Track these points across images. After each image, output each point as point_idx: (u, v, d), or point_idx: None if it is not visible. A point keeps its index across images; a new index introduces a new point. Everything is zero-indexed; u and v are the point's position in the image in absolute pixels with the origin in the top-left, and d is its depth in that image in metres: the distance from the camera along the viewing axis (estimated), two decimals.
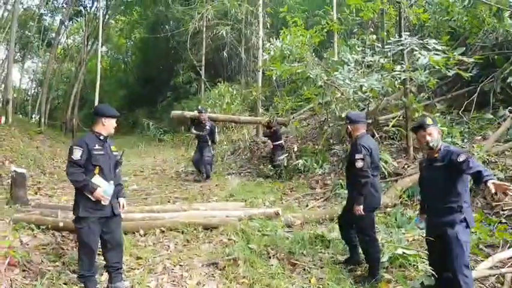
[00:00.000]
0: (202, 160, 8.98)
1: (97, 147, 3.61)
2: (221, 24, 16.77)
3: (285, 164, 8.87)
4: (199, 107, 9.95)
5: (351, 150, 4.03)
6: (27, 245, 4.61)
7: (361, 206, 3.82)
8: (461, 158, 3.05)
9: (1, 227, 5.12)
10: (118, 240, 3.80)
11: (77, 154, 3.50)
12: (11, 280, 3.70)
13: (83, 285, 3.64)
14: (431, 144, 3.29)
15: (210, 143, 9.06)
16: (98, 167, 3.59)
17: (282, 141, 9.36)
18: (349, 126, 4.10)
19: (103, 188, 3.56)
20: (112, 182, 3.67)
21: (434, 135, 3.29)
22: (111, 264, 3.72)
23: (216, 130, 9.44)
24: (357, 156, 3.79)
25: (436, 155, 3.31)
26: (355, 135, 4.06)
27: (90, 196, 3.52)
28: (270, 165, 9.32)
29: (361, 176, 3.78)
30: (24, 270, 3.96)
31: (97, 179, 3.56)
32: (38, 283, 3.66)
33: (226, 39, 16.74)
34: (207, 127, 9.12)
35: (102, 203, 3.57)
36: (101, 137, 3.70)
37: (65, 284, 3.74)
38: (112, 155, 3.79)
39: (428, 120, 3.34)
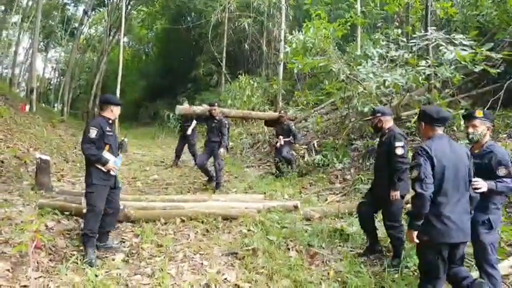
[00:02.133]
0: (215, 165, 7.47)
1: (108, 129, 4.29)
2: (243, 16, 16.74)
3: (301, 161, 8.75)
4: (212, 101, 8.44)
5: (388, 140, 4.14)
6: (52, 229, 4.76)
7: (398, 192, 4.01)
8: (500, 173, 3.19)
9: (28, 212, 5.29)
10: (116, 208, 4.55)
11: (93, 133, 4.13)
12: (37, 262, 3.82)
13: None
14: (470, 137, 3.36)
15: (221, 143, 7.48)
16: (108, 145, 4.27)
17: (290, 139, 8.50)
18: (381, 118, 4.25)
19: (112, 161, 4.23)
20: (121, 156, 4.47)
21: (479, 129, 3.32)
22: (104, 227, 4.36)
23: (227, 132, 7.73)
24: (398, 144, 3.99)
25: (476, 151, 3.35)
26: (386, 127, 4.24)
27: (102, 168, 4.17)
28: (280, 163, 8.38)
29: (402, 163, 3.99)
30: (50, 254, 4.09)
31: (106, 154, 4.22)
32: (63, 266, 3.77)
33: (248, 31, 16.74)
34: (219, 122, 7.57)
35: (112, 173, 4.26)
36: (110, 121, 4.38)
37: (88, 268, 3.83)
38: (116, 137, 4.54)
39: (478, 113, 3.36)
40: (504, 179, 3.16)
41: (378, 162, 4.45)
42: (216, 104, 7.92)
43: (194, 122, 9.97)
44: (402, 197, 4.17)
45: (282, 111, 8.82)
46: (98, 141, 4.16)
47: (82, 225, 4.39)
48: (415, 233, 2.88)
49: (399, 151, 3.97)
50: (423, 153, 2.88)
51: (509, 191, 3.22)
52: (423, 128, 3.12)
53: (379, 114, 4.27)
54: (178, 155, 10.15)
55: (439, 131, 3.06)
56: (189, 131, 9.90)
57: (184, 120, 9.98)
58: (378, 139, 4.91)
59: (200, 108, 8.60)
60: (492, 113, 7.53)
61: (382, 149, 4.25)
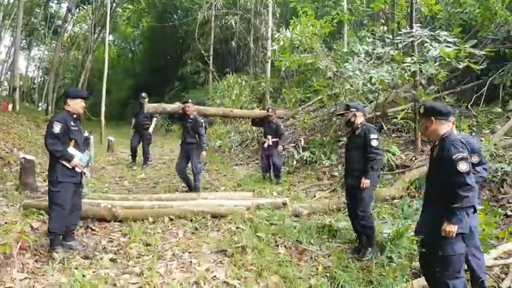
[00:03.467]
0: (192, 168, 6.90)
1: (72, 123, 4.18)
2: (230, 14, 16.70)
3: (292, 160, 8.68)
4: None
5: (362, 132, 4.37)
6: (38, 230, 4.70)
7: (369, 180, 4.21)
8: (474, 160, 3.40)
9: (12, 213, 5.20)
10: (79, 204, 4.43)
11: (57, 128, 4.04)
12: (22, 264, 3.77)
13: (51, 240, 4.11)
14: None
15: (200, 144, 6.86)
16: (73, 140, 4.17)
17: (278, 139, 7.81)
18: (356, 113, 4.44)
19: (78, 157, 4.13)
20: (86, 152, 4.31)
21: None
22: (67, 225, 4.21)
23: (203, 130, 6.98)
24: (373, 136, 4.25)
25: None
26: (358, 122, 4.45)
27: (67, 164, 4.07)
28: (270, 173, 7.95)
29: (377, 154, 4.24)
30: (35, 255, 4.04)
31: (72, 150, 4.12)
32: (49, 267, 3.72)
33: (235, 29, 16.70)
34: (193, 121, 6.96)
35: (77, 170, 4.14)
36: (74, 116, 4.26)
37: (75, 268, 3.79)
38: (83, 132, 4.44)
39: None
40: (476, 167, 3.43)
41: (351, 155, 4.56)
42: (189, 101, 7.34)
43: (154, 119, 9.71)
44: (374, 187, 4.42)
45: (270, 110, 8.15)
46: (62, 136, 4.06)
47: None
48: (456, 227, 2.81)
49: (374, 143, 4.22)
50: (464, 146, 2.87)
51: (482, 180, 3.55)
52: (433, 123, 3.07)
53: (353, 110, 4.46)
54: (135, 154, 9.72)
55: (446, 125, 3.08)
56: (151, 129, 9.70)
57: (143, 116, 9.46)
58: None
59: (171, 106, 7.71)
60: (476, 108, 7.77)
61: (356, 142, 4.43)
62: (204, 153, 6.88)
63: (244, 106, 13.27)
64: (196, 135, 6.84)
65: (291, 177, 8.12)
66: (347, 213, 4.90)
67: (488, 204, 5.19)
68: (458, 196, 2.78)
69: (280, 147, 7.79)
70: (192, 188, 6.97)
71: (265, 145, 7.79)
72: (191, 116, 6.96)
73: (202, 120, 6.96)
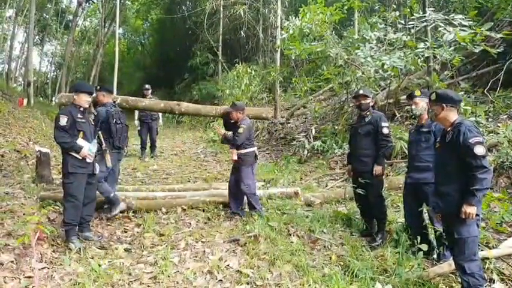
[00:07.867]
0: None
1: (79, 116, 4.25)
2: (238, 4, 16.56)
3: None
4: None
5: (373, 119, 4.44)
6: (54, 221, 4.77)
7: (381, 167, 4.35)
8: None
9: (29, 204, 5.29)
10: (93, 196, 4.47)
11: (63, 121, 4.12)
12: (41, 254, 3.84)
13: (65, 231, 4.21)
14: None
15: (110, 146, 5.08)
16: (81, 132, 4.23)
17: (254, 149, 5.24)
18: (369, 99, 4.54)
19: (87, 147, 4.20)
20: (95, 141, 4.38)
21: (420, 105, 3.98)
22: (83, 216, 4.32)
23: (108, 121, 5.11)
24: (384, 124, 4.36)
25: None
26: (369, 107, 4.54)
27: (76, 155, 4.15)
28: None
29: (388, 141, 4.38)
30: (52, 245, 4.13)
31: (80, 141, 4.20)
32: (66, 257, 3.80)
33: (244, 18, 16.54)
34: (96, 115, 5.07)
35: (87, 160, 4.21)
36: (81, 109, 4.32)
37: (91, 258, 3.86)
38: (92, 124, 4.51)
39: (417, 92, 4.03)
40: None
41: (359, 141, 4.57)
42: (98, 87, 5.42)
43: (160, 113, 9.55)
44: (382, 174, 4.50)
45: (232, 106, 5.46)
46: (70, 129, 4.15)
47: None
48: (475, 208, 2.85)
49: (385, 130, 4.34)
50: (479, 131, 2.97)
51: None
52: (444, 110, 3.11)
53: (365, 96, 4.52)
54: (145, 146, 9.60)
55: (456, 112, 3.14)
56: (161, 122, 9.81)
57: None
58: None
59: None
60: (493, 93, 7.58)
61: (365, 129, 4.48)
62: (108, 156, 4.92)
63: (254, 96, 13.20)
64: (106, 133, 5.05)
65: (302, 167, 8.08)
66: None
67: (506, 192, 5.09)
68: (477, 178, 2.81)
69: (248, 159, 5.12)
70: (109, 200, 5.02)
71: (233, 158, 5.28)
72: (97, 108, 5.17)
73: (104, 110, 5.11)
